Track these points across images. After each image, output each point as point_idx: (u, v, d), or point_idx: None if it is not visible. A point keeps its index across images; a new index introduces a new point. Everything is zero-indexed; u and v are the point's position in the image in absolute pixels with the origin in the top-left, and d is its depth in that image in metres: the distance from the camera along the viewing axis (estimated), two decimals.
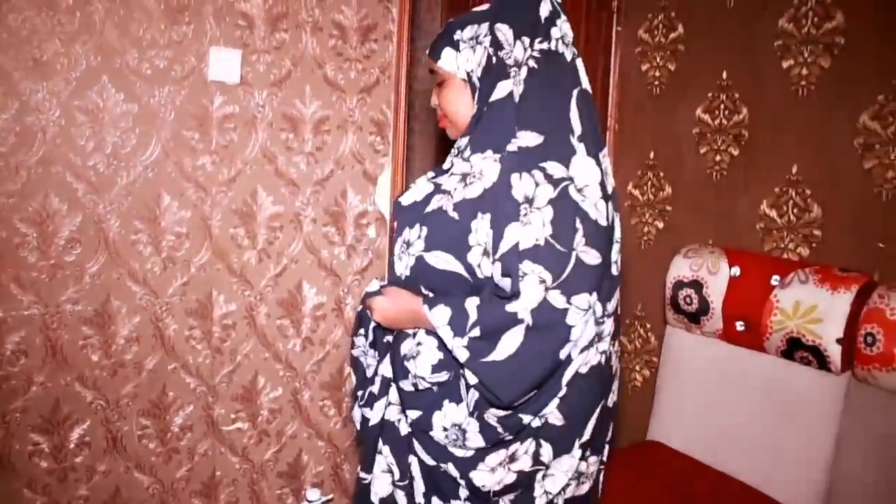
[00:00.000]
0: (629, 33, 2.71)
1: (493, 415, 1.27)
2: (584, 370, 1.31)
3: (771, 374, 2.16)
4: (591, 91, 1.34)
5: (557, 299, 1.18)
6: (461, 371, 1.28)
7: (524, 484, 1.32)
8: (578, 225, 1.20)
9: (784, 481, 2.09)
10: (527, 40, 1.30)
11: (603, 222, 1.24)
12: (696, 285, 2.28)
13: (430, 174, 1.45)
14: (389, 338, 1.44)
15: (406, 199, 1.41)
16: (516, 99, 1.28)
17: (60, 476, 2.06)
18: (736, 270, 2.21)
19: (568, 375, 1.28)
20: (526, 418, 1.28)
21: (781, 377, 2.13)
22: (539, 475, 1.32)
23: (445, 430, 1.30)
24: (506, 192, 1.23)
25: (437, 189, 1.37)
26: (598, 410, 1.37)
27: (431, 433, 1.32)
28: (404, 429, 1.41)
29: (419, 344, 1.34)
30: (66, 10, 1.89)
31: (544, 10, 1.32)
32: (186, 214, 2.12)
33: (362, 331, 1.49)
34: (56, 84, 1.91)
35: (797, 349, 2.06)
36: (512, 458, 1.30)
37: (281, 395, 2.35)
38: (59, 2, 1.88)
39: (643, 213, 2.71)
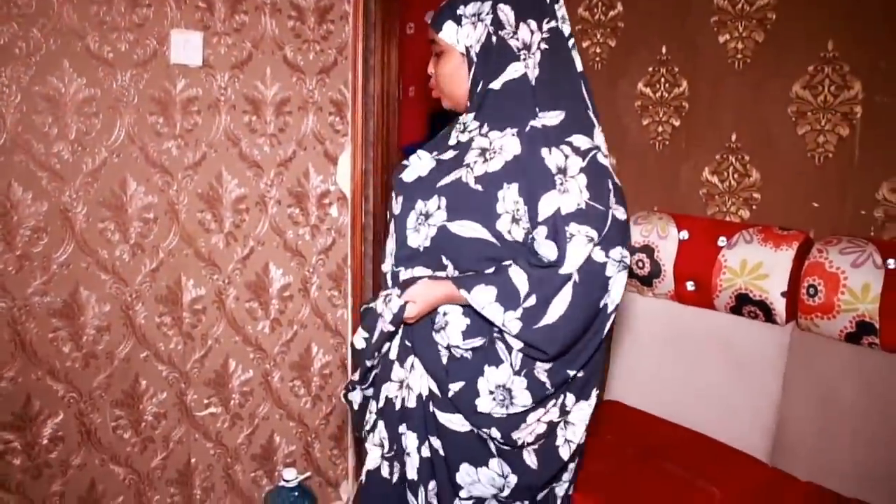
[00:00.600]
0: (569, 12, 2.79)
1: (542, 369, 1.35)
2: None
3: (721, 330, 2.32)
4: None
5: (598, 254, 1.29)
6: (496, 335, 1.35)
7: (549, 433, 1.41)
8: (610, 186, 1.32)
9: (736, 427, 2.26)
10: (533, 23, 1.37)
11: (618, 182, 1.35)
12: (648, 250, 2.42)
13: (429, 152, 1.49)
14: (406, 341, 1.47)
15: (409, 176, 1.46)
16: (532, 81, 1.35)
17: (34, 473, 2.01)
18: (684, 234, 2.36)
19: (607, 327, 1.36)
20: (571, 372, 1.36)
21: (731, 332, 2.30)
22: (561, 423, 1.41)
23: (492, 392, 1.35)
24: (538, 165, 1.31)
25: (443, 164, 1.43)
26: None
27: (478, 401, 1.35)
28: (399, 404, 1.47)
29: (445, 314, 1.40)
30: None
31: None
32: (153, 200, 2.09)
33: (365, 335, 1.48)
34: (15, 69, 1.85)
35: (745, 304, 2.22)
36: (545, 411, 1.39)
37: (252, 377, 2.36)
38: None
39: None
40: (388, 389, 1.49)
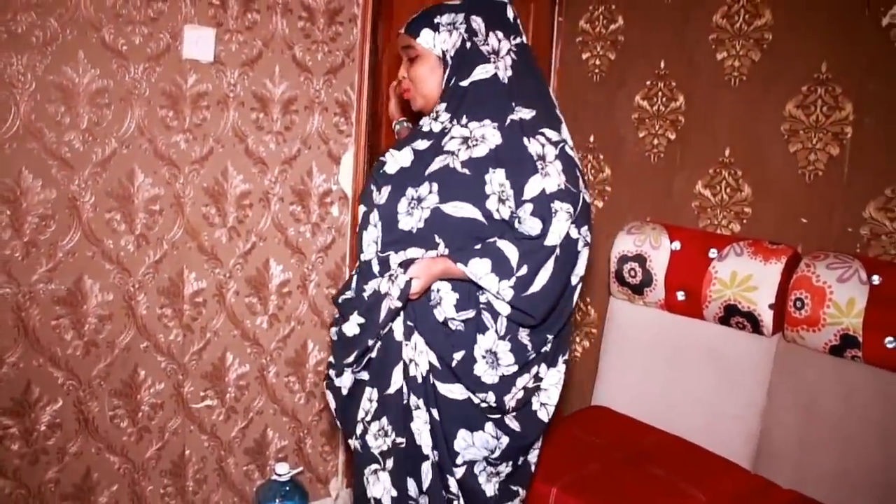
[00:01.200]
0: (570, 24, 2.88)
1: (524, 334, 1.55)
2: None
3: (709, 340, 2.39)
4: None
5: (573, 231, 1.50)
6: (482, 305, 1.53)
7: (526, 400, 1.60)
8: (577, 173, 1.53)
9: (721, 435, 2.33)
10: (500, 34, 1.60)
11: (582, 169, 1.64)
12: (640, 259, 2.48)
13: (398, 149, 1.63)
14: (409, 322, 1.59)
15: (392, 168, 1.60)
16: (504, 80, 1.57)
17: (31, 459, 2.02)
18: (676, 245, 2.42)
19: (575, 298, 1.59)
20: (550, 336, 1.58)
21: (718, 342, 2.37)
22: (535, 390, 1.62)
23: (484, 357, 1.52)
24: (521, 153, 1.50)
25: (422, 153, 1.58)
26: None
27: (475, 367, 1.52)
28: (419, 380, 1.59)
29: (438, 291, 1.55)
30: None
31: (510, 14, 1.64)
32: (160, 192, 2.12)
33: (360, 320, 1.58)
34: (31, 58, 1.87)
35: (733, 315, 2.29)
36: (530, 377, 1.59)
37: (248, 371, 2.38)
38: None
39: None
40: (402, 368, 1.59)
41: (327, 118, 2.40)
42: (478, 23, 1.59)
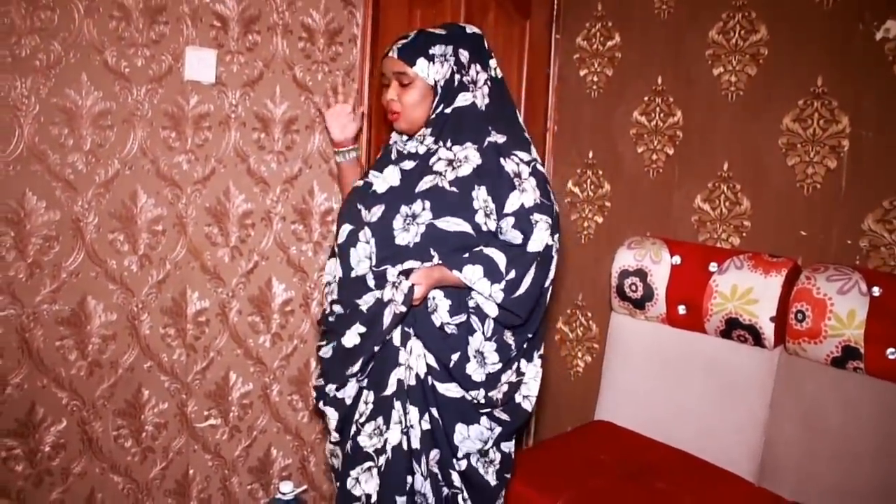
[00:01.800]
0: (567, 41, 2.91)
1: (508, 335, 1.74)
2: None
3: (710, 353, 2.40)
4: None
5: (549, 239, 1.70)
6: (470, 310, 1.71)
7: (511, 393, 1.77)
8: (549, 187, 1.74)
9: (724, 448, 2.34)
10: (478, 66, 1.79)
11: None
12: (641, 273, 2.50)
13: (379, 170, 1.81)
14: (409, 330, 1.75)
15: (381, 187, 1.77)
16: (482, 108, 1.77)
17: (35, 481, 2.02)
18: (677, 259, 2.44)
19: (547, 299, 1.79)
20: (529, 335, 1.77)
21: (720, 355, 2.38)
22: (518, 384, 1.79)
23: (474, 357, 1.70)
24: (499, 171, 1.70)
25: (408, 173, 1.75)
26: None
27: (468, 366, 1.69)
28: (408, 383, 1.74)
29: (434, 298, 1.70)
30: (45, 5, 1.88)
31: (485, 45, 1.83)
32: (163, 212, 2.13)
33: (362, 329, 1.71)
34: (35, 81, 1.89)
35: (735, 328, 2.30)
36: (512, 372, 1.77)
37: (251, 390, 2.39)
38: None
39: (583, 208, 2.92)
40: (398, 373, 1.73)
41: (327, 137, 2.41)
42: (465, 56, 1.77)
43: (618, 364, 2.64)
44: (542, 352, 1.86)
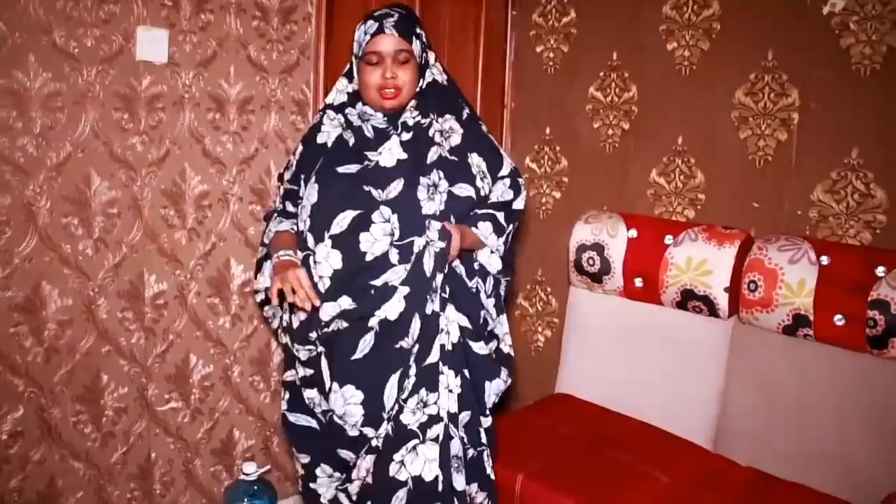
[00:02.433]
0: (524, 18, 2.91)
1: (501, 289, 1.96)
2: None
3: (667, 325, 2.44)
4: None
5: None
6: (476, 272, 1.89)
7: (498, 345, 1.99)
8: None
9: (682, 417, 2.38)
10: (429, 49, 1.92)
11: None
12: (598, 248, 2.53)
13: (393, 134, 1.84)
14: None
15: (388, 161, 1.78)
16: (443, 83, 1.92)
17: None
18: (633, 233, 2.47)
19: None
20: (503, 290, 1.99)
21: (676, 326, 2.42)
22: (503, 337, 2.00)
23: (487, 313, 1.90)
24: (485, 140, 1.91)
25: (407, 144, 1.80)
26: None
27: (490, 321, 1.92)
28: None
29: (456, 266, 1.84)
30: None
31: None
32: (117, 195, 2.10)
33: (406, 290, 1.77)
34: None
35: (690, 299, 2.34)
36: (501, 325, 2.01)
37: (212, 372, 2.38)
38: None
39: (541, 184, 2.94)
40: (441, 338, 1.79)
41: (284, 117, 2.40)
42: (425, 34, 1.89)
43: (577, 338, 2.68)
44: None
